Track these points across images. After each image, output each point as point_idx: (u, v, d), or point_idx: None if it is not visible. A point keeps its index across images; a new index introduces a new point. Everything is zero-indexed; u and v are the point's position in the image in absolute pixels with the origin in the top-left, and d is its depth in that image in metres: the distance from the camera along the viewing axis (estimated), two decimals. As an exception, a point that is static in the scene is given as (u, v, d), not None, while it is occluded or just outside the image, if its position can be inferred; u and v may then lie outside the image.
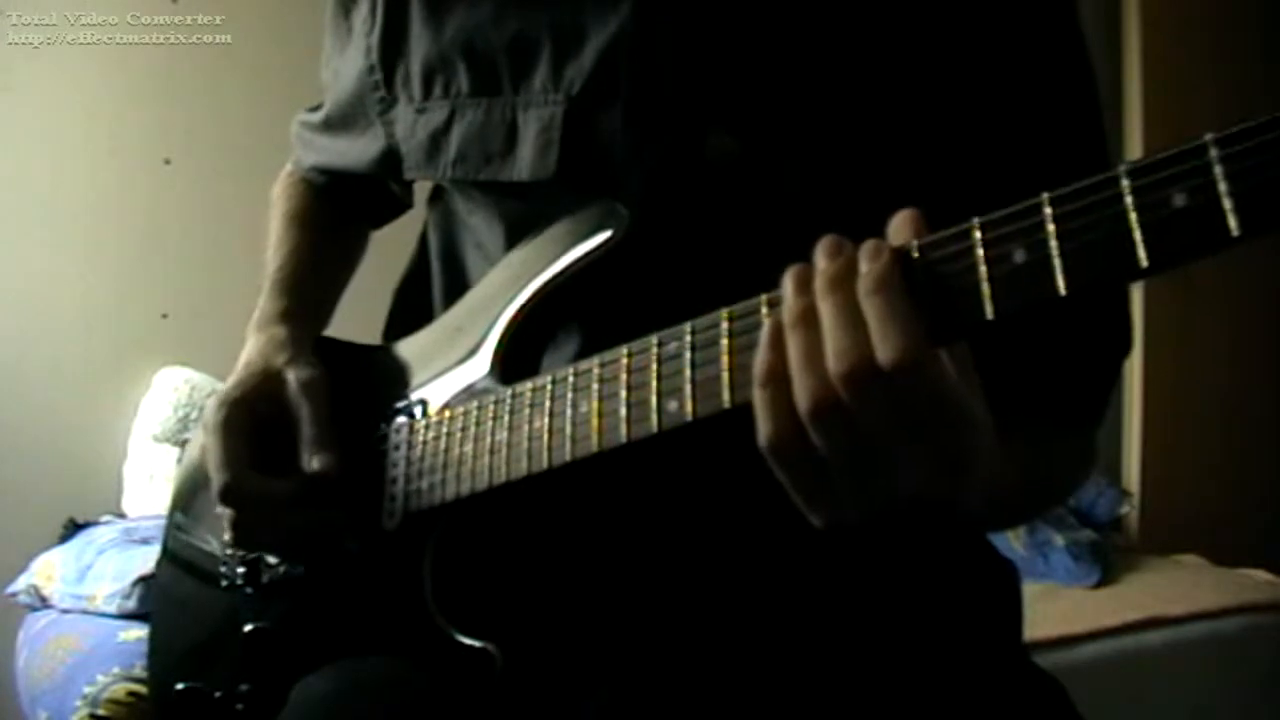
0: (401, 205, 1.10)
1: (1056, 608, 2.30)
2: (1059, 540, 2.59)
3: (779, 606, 0.83)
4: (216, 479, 0.86)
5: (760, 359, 0.58)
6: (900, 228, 0.58)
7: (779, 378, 0.57)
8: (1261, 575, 2.56)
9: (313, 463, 0.86)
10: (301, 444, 0.87)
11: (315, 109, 1.09)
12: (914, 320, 0.54)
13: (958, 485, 0.58)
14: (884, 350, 0.54)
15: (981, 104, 0.79)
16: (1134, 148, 3.29)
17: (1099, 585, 2.53)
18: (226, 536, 0.88)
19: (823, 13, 0.80)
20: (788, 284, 0.59)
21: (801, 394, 0.56)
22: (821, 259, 0.58)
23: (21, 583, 2.19)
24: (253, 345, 0.95)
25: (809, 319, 0.57)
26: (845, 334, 0.55)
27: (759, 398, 0.58)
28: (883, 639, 0.83)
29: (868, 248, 0.57)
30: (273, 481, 0.86)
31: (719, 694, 0.82)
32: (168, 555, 1.04)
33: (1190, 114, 3.25)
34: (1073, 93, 0.83)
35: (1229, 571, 2.62)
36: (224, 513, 0.87)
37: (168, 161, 2.70)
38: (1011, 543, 2.58)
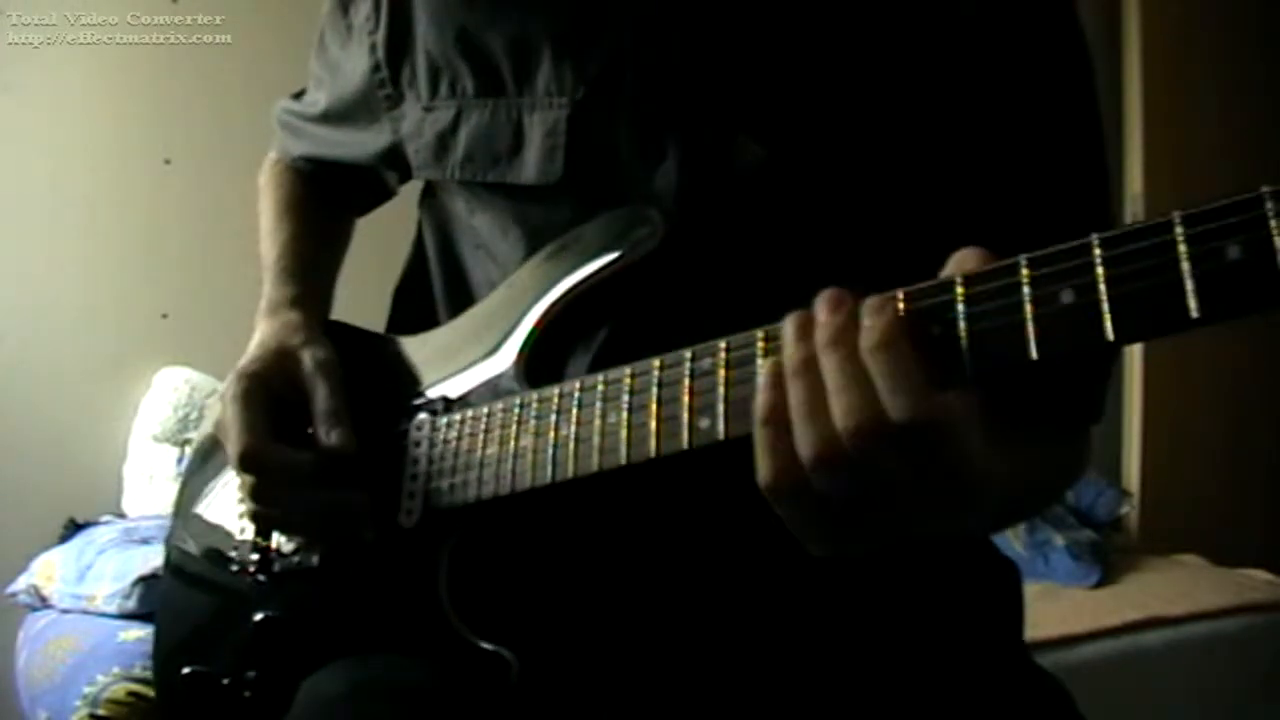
0: (388, 193, 1.09)
1: (1056, 608, 2.30)
2: (1059, 540, 2.59)
3: (788, 611, 0.83)
4: (236, 445, 0.85)
5: (760, 399, 0.59)
6: (963, 264, 0.57)
7: (779, 419, 0.58)
8: (1261, 575, 2.57)
9: (329, 437, 0.85)
10: (316, 420, 0.86)
11: (299, 96, 1.09)
12: (922, 376, 0.55)
13: (964, 521, 0.59)
14: (895, 407, 0.54)
15: (992, 107, 0.80)
16: (1134, 147, 3.29)
17: (1099, 585, 2.53)
18: (242, 511, 0.87)
19: (834, 21, 0.80)
20: (788, 329, 0.59)
21: (805, 442, 0.57)
22: (822, 313, 0.58)
23: (21, 583, 2.19)
24: (265, 329, 0.95)
25: (810, 368, 0.58)
26: (850, 390, 0.56)
27: (759, 435, 0.59)
28: (886, 640, 0.83)
29: (871, 304, 0.57)
30: (292, 451, 0.85)
31: (727, 698, 0.82)
32: (177, 541, 1.03)
33: (1190, 114, 3.26)
34: (1075, 100, 0.83)
35: (1229, 571, 2.62)
36: (243, 482, 0.86)
37: (168, 161, 2.70)
38: (1012, 542, 2.58)
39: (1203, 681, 2.29)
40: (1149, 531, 3.16)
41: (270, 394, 0.88)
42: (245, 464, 0.84)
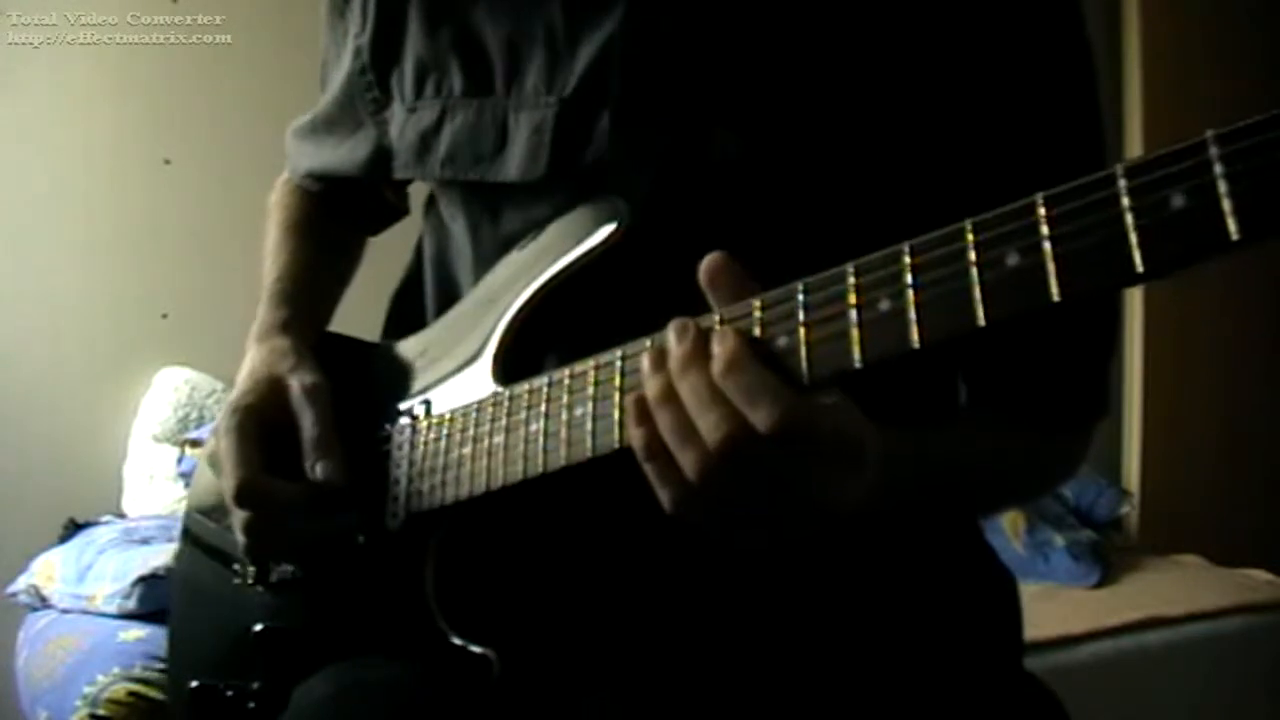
0: (396, 211, 1.10)
1: (1056, 608, 2.30)
2: (1059, 540, 2.59)
3: (776, 614, 0.83)
4: (230, 480, 0.85)
5: (633, 434, 0.63)
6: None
7: (658, 449, 0.62)
8: (1261, 575, 2.56)
9: (315, 469, 0.86)
10: (304, 451, 0.87)
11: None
12: (776, 383, 0.58)
13: (856, 486, 0.62)
14: (758, 418, 0.58)
15: (983, 102, 0.79)
16: (1134, 148, 3.29)
17: (1099, 585, 2.53)
18: (240, 541, 0.88)
19: (823, 12, 0.80)
20: (644, 363, 0.64)
21: (686, 465, 0.61)
22: (671, 342, 0.63)
23: (21, 583, 2.19)
24: (255, 355, 0.95)
25: (670, 395, 0.62)
26: (711, 409, 0.60)
27: (648, 470, 0.63)
28: (879, 649, 0.83)
29: (717, 332, 0.61)
30: (285, 485, 0.86)
31: (715, 704, 0.82)
32: (185, 554, 1.04)
33: (1190, 114, 3.25)
34: (1073, 96, 0.83)
35: (1229, 571, 2.62)
36: (238, 516, 0.86)
37: (168, 161, 2.70)
38: (1011, 542, 2.58)
39: (1203, 681, 2.29)
40: (1149, 531, 3.16)
41: (263, 424, 0.88)
42: (239, 499, 0.85)
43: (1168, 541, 2.92)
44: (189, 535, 1.04)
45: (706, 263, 0.63)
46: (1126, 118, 3.32)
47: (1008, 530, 2.62)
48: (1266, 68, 3.31)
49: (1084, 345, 0.85)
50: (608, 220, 0.79)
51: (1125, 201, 0.48)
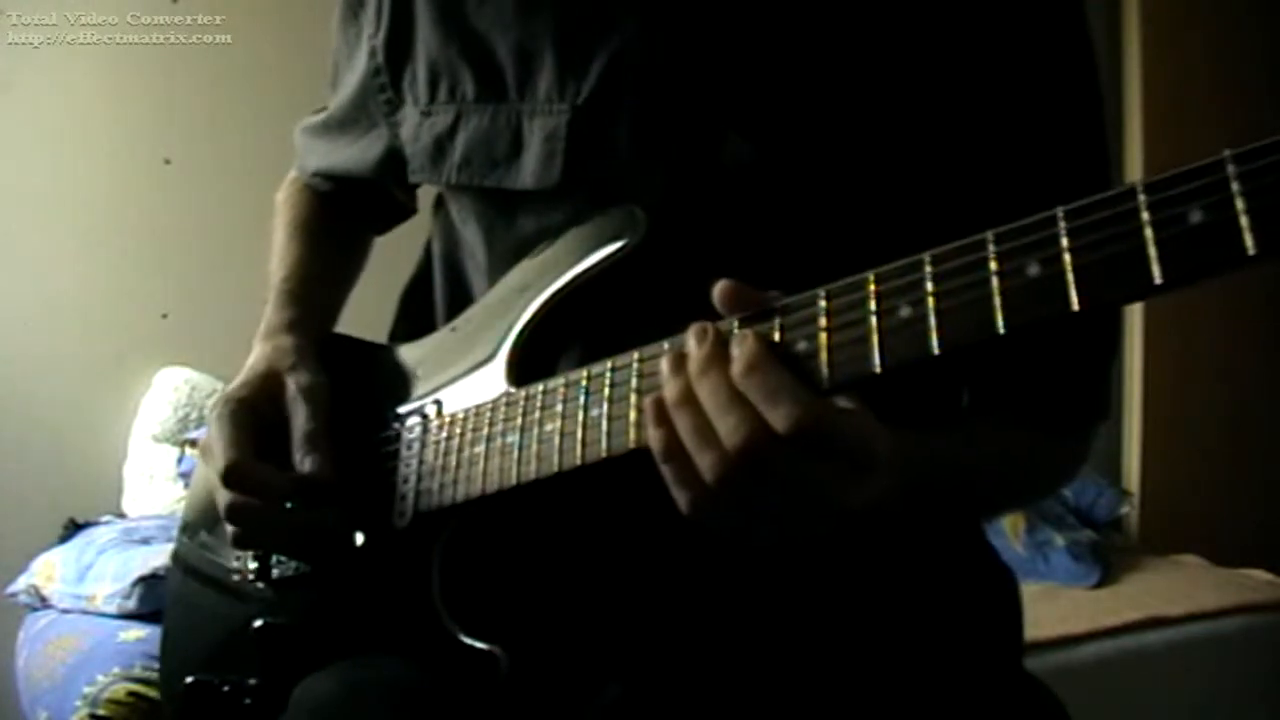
0: (405, 211, 1.10)
1: (1056, 608, 2.30)
2: (1059, 540, 2.59)
3: (781, 613, 0.83)
4: (220, 460, 0.85)
5: (652, 435, 0.63)
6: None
7: (677, 451, 0.62)
8: (1261, 575, 2.56)
9: (304, 464, 0.86)
10: (293, 445, 0.87)
11: (318, 113, 1.08)
12: (796, 384, 0.59)
13: (871, 488, 0.62)
14: (777, 418, 0.59)
15: (989, 104, 0.80)
16: (1134, 148, 3.29)
17: (1099, 585, 2.53)
18: (228, 530, 0.88)
19: (835, 19, 0.80)
20: (663, 365, 0.64)
21: (705, 468, 0.61)
22: (691, 345, 0.64)
23: (21, 583, 2.19)
24: (259, 352, 0.95)
25: (689, 398, 0.62)
26: (730, 411, 0.60)
27: (665, 471, 0.63)
28: (881, 648, 0.83)
29: (736, 335, 0.63)
30: (275, 472, 0.86)
31: (719, 703, 0.82)
32: (180, 551, 1.04)
33: (1190, 114, 3.26)
34: (1077, 101, 0.83)
35: (1229, 571, 2.62)
36: (224, 498, 0.86)
37: (168, 161, 2.70)
38: (1011, 542, 2.58)
39: (1203, 681, 2.28)
40: (1149, 531, 3.16)
41: (256, 416, 0.88)
42: (228, 480, 0.85)
43: (1168, 541, 2.92)
44: (183, 533, 1.03)
45: (717, 291, 0.64)
46: (1126, 118, 3.32)
47: (1008, 530, 2.62)
48: (1266, 68, 3.31)
49: (1085, 348, 0.85)
50: (625, 229, 0.79)
51: (1145, 216, 0.50)
